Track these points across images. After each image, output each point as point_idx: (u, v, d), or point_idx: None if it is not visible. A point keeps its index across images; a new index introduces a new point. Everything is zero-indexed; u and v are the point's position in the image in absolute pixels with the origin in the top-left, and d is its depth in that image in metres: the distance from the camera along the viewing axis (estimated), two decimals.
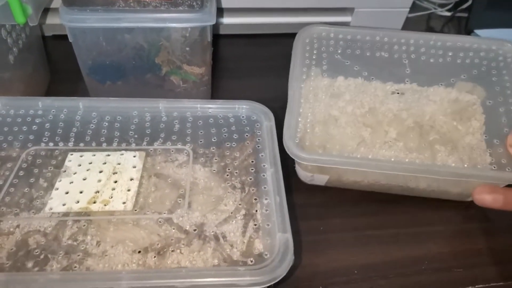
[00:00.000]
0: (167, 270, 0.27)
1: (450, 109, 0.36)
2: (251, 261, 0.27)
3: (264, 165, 0.33)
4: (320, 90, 0.38)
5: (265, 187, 0.32)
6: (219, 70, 0.54)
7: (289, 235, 0.27)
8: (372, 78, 0.38)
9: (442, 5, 0.71)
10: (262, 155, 0.34)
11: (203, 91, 0.47)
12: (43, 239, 0.28)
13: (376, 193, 0.40)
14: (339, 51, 0.42)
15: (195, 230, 0.30)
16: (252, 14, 0.59)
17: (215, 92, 0.50)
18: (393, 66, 0.40)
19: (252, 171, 0.33)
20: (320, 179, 0.38)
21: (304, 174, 0.39)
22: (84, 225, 0.29)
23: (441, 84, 0.37)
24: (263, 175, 0.32)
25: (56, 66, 0.52)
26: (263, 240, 0.28)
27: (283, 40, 0.62)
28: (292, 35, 0.64)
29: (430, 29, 0.67)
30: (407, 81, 0.38)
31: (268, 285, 0.25)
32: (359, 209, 0.39)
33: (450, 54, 0.40)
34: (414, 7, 0.61)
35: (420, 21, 0.69)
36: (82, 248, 0.28)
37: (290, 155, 0.34)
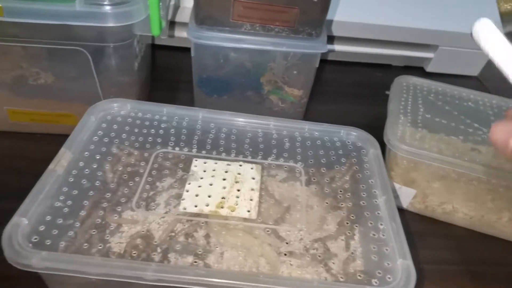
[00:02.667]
0: (303, 279, 0.28)
1: None
2: (376, 282, 0.28)
3: (375, 191, 0.35)
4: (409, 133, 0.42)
5: (378, 213, 0.33)
6: (312, 93, 0.56)
7: (410, 262, 0.29)
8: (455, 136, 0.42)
9: None
10: (371, 182, 0.36)
11: (299, 112, 0.50)
12: (173, 235, 0.30)
13: (475, 231, 0.41)
14: (431, 104, 0.46)
15: (307, 246, 0.31)
16: (346, 43, 0.61)
17: (308, 113, 0.52)
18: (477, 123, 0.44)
19: (364, 195, 0.35)
20: (406, 195, 0.40)
21: (392, 187, 0.40)
22: (215, 228, 0.31)
23: None
24: (375, 201, 0.34)
25: (157, 75, 0.56)
26: (383, 264, 0.30)
27: (366, 69, 0.64)
28: (376, 65, 0.66)
29: None
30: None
31: None
32: (455, 243, 0.40)
33: None
34: None
35: None
36: (205, 247, 0.30)
37: (389, 146, 0.40)
